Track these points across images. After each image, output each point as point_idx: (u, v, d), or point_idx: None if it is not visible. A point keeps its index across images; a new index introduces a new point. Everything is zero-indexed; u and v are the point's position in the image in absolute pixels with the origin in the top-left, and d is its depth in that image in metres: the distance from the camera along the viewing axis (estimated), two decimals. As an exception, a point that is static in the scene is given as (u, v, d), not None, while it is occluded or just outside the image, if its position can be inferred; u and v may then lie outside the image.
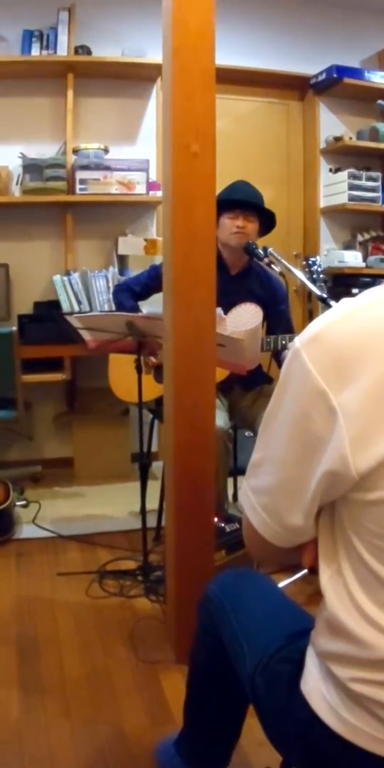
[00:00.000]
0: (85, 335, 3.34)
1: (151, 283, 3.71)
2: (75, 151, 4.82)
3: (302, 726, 1.24)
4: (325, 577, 1.18)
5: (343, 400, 1.04)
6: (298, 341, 1.11)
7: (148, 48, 4.79)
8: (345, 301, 1.11)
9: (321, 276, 3.21)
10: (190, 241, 2.48)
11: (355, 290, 5.03)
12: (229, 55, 4.95)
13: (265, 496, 1.21)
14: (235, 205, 3.47)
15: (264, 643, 1.44)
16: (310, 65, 5.40)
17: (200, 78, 2.40)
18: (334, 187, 5.49)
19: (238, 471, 4.21)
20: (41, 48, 4.77)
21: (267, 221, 3.60)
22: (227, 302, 3.28)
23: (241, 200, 3.48)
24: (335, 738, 1.17)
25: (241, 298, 3.44)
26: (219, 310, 3.04)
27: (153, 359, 3.39)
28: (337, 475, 1.06)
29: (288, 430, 1.13)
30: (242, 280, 3.64)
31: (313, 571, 1.22)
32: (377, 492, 1.05)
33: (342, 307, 1.10)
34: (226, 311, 3.29)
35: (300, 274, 3.13)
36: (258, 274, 3.65)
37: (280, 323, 3.58)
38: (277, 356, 3.41)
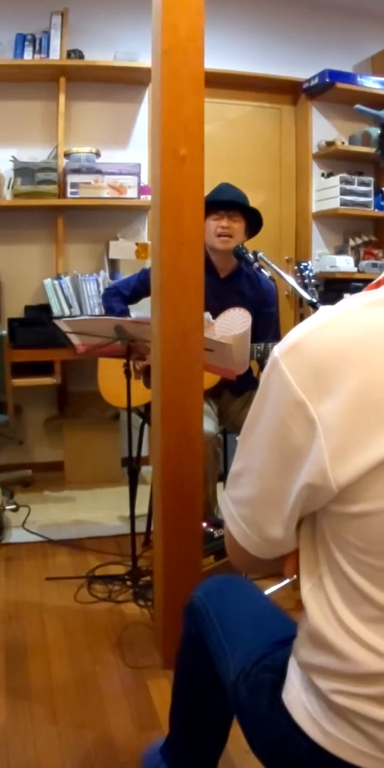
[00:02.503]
0: (74, 339, 3.33)
1: (140, 287, 3.70)
2: (66, 155, 4.81)
3: (284, 736, 1.23)
4: (306, 589, 1.17)
5: (323, 411, 1.02)
6: (277, 350, 1.09)
7: (140, 52, 4.79)
8: (324, 309, 1.08)
9: (313, 281, 3.20)
10: (178, 245, 2.47)
11: (346, 295, 5.02)
12: (221, 59, 4.95)
13: (244, 507, 1.20)
14: (220, 206, 3.46)
15: (247, 650, 1.43)
16: (302, 70, 5.41)
17: (189, 81, 2.40)
18: (326, 192, 5.50)
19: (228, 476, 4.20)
20: (34, 52, 4.76)
21: (254, 222, 3.59)
22: (217, 306, 3.27)
23: (224, 201, 3.47)
24: (317, 749, 1.16)
25: (230, 300, 3.42)
26: (207, 315, 3.03)
27: (140, 363, 3.38)
28: (317, 487, 1.04)
29: (267, 441, 1.11)
30: (232, 283, 3.63)
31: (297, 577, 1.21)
32: (358, 505, 1.03)
33: (321, 315, 1.07)
34: (215, 315, 3.28)
35: (290, 279, 3.12)
36: (248, 276, 3.64)
37: (269, 325, 3.57)
38: (261, 362, 3.40)
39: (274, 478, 1.12)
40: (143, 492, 3.86)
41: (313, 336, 1.06)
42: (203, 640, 1.61)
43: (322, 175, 5.59)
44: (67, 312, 4.68)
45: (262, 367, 3.37)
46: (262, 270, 3.33)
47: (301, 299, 3.19)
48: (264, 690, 1.32)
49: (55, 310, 4.67)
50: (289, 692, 1.24)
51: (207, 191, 2.64)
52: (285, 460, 1.09)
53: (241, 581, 1.77)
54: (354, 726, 1.12)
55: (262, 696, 1.32)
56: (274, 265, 3.25)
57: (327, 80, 5.21)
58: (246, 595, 1.68)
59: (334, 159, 5.58)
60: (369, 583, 1.07)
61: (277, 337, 3.56)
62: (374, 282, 1.17)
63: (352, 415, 1.00)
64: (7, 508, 4.07)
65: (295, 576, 1.21)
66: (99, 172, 4.76)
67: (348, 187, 5.35)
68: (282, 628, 1.48)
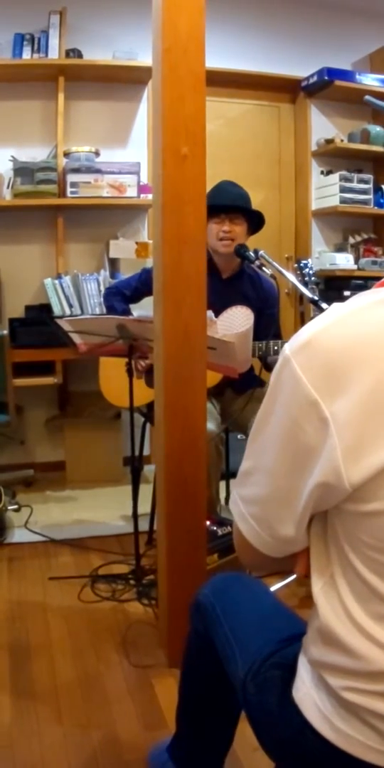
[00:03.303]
0: (76, 338, 3.33)
1: (141, 286, 3.69)
2: (66, 154, 4.81)
3: (294, 733, 1.22)
4: (318, 587, 1.16)
5: (336, 410, 1.01)
6: (288, 348, 1.08)
7: (139, 51, 4.78)
8: (335, 306, 1.07)
9: (313, 278, 3.20)
10: (180, 244, 2.47)
11: (346, 293, 5.03)
12: (220, 58, 4.96)
13: (255, 506, 1.19)
14: (221, 209, 3.45)
15: (255, 648, 1.42)
16: (301, 68, 5.41)
17: (190, 80, 2.39)
18: (326, 190, 5.50)
19: (231, 474, 4.20)
20: (32, 51, 4.76)
21: (255, 219, 3.58)
22: (219, 306, 3.27)
23: (225, 206, 3.46)
24: (328, 746, 1.16)
25: (233, 301, 3.42)
26: (210, 313, 3.02)
27: (142, 363, 3.37)
28: (330, 486, 1.04)
29: (278, 440, 1.10)
30: (234, 283, 3.62)
31: (309, 576, 1.20)
32: (371, 504, 1.03)
33: (332, 313, 1.06)
34: (217, 314, 3.28)
35: (291, 277, 3.12)
36: (250, 277, 3.64)
37: (270, 326, 3.57)
38: (264, 359, 3.39)
39: (285, 477, 1.11)
40: (145, 491, 3.86)
41: (325, 334, 1.05)
42: (210, 637, 1.61)
43: (322, 172, 5.60)
44: (67, 311, 4.68)
45: (264, 364, 3.38)
46: (264, 268, 3.32)
47: (301, 297, 3.19)
48: (273, 687, 1.32)
49: (56, 310, 4.67)
50: (300, 689, 1.23)
51: (208, 190, 2.63)
52: (297, 459, 1.08)
53: (247, 578, 1.77)
54: (365, 723, 1.12)
55: (271, 693, 1.31)
56: (274, 263, 3.25)
57: (326, 78, 5.21)
58: (252, 592, 1.68)
59: (333, 157, 5.58)
60: (382, 582, 1.07)
61: (277, 337, 3.56)
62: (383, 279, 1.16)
63: (365, 413, 1.00)
64: (10, 508, 4.07)
65: (305, 575, 1.20)
66: (98, 171, 4.76)
67: (347, 184, 5.36)
68: (289, 625, 1.48)
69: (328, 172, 5.53)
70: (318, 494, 1.07)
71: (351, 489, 1.02)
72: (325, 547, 1.16)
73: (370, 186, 5.42)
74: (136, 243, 4.96)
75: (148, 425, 3.96)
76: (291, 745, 1.24)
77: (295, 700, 1.23)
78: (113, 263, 5.03)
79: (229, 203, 3.46)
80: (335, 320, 1.05)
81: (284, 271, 3.16)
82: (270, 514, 1.16)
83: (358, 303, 1.07)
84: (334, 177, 5.39)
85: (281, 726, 1.27)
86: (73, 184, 4.72)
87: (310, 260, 3.33)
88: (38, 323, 4.53)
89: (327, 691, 1.17)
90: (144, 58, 4.70)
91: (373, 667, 1.09)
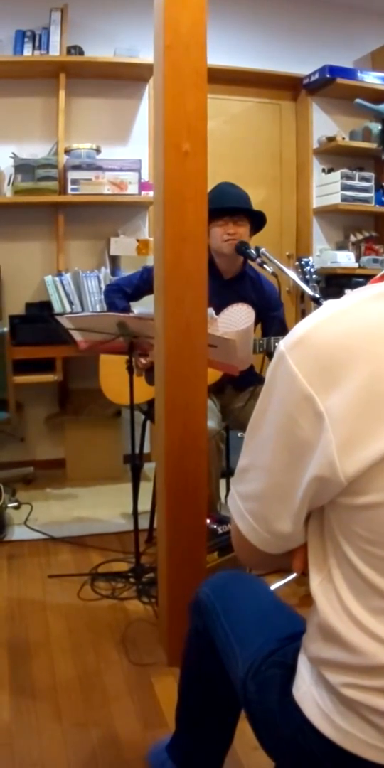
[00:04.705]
0: (76, 336, 3.32)
1: (142, 285, 3.69)
2: (67, 151, 4.80)
3: (294, 731, 1.22)
4: (316, 583, 1.16)
5: (330, 404, 1.02)
6: (283, 345, 1.09)
7: (140, 48, 4.78)
8: (329, 303, 1.09)
9: (314, 276, 3.19)
10: (181, 241, 2.46)
11: (347, 291, 5.01)
12: (222, 55, 4.95)
13: (253, 503, 1.19)
14: (224, 212, 3.44)
15: (256, 646, 1.42)
16: (303, 65, 5.40)
17: (191, 77, 2.39)
18: (327, 188, 5.49)
19: (231, 472, 4.19)
20: (33, 48, 4.76)
21: (257, 219, 3.58)
22: (220, 305, 3.27)
23: (229, 208, 3.45)
24: (328, 744, 1.15)
25: (233, 302, 3.42)
26: (211, 311, 3.02)
27: (143, 361, 3.37)
28: (325, 480, 1.04)
29: (275, 436, 1.11)
30: (235, 285, 3.62)
31: (306, 573, 1.20)
32: (366, 496, 1.03)
33: (326, 309, 1.08)
34: (218, 313, 3.27)
35: (293, 275, 3.11)
36: (251, 279, 3.64)
37: (274, 326, 3.57)
38: (271, 356, 3.39)
39: (282, 472, 1.12)
40: (145, 489, 3.85)
41: (320, 330, 1.06)
42: (210, 635, 1.60)
43: (323, 170, 5.59)
44: (68, 309, 4.67)
45: (269, 357, 3.38)
46: (265, 266, 3.32)
47: (302, 295, 3.19)
48: (273, 686, 1.31)
49: (56, 307, 4.66)
50: (300, 687, 1.23)
51: (209, 187, 2.62)
52: (293, 454, 1.09)
53: (247, 576, 1.77)
54: (364, 719, 1.11)
55: (271, 692, 1.31)
56: (276, 261, 3.24)
57: (327, 76, 5.20)
58: (252, 590, 1.68)
59: (334, 154, 5.58)
60: (378, 575, 1.07)
61: (284, 332, 3.55)
62: (378, 275, 1.17)
63: (359, 407, 1.01)
64: (9, 505, 4.07)
65: (302, 572, 1.20)
66: (99, 168, 4.75)
67: (349, 182, 5.35)
68: (289, 623, 1.48)
69: (330, 170, 5.53)
70: (314, 488, 1.08)
71: (346, 482, 1.03)
72: (322, 542, 1.16)
73: (372, 184, 5.41)
74: (137, 240, 4.96)
75: (148, 423, 3.95)
76: (291, 743, 1.24)
77: (295, 699, 1.23)
78: (114, 260, 5.03)
79: (232, 205, 3.45)
80: (329, 316, 1.07)
81: (285, 269, 3.16)
82: (267, 510, 1.17)
83: (352, 299, 1.08)
84: (336, 175, 5.38)
85: (281, 725, 1.26)
86: (74, 182, 4.72)
87: (311, 258, 3.33)
88: (39, 320, 4.54)
89: (327, 688, 1.17)
90: (145, 55, 4.68)
91: (371, 662, 1.09)
